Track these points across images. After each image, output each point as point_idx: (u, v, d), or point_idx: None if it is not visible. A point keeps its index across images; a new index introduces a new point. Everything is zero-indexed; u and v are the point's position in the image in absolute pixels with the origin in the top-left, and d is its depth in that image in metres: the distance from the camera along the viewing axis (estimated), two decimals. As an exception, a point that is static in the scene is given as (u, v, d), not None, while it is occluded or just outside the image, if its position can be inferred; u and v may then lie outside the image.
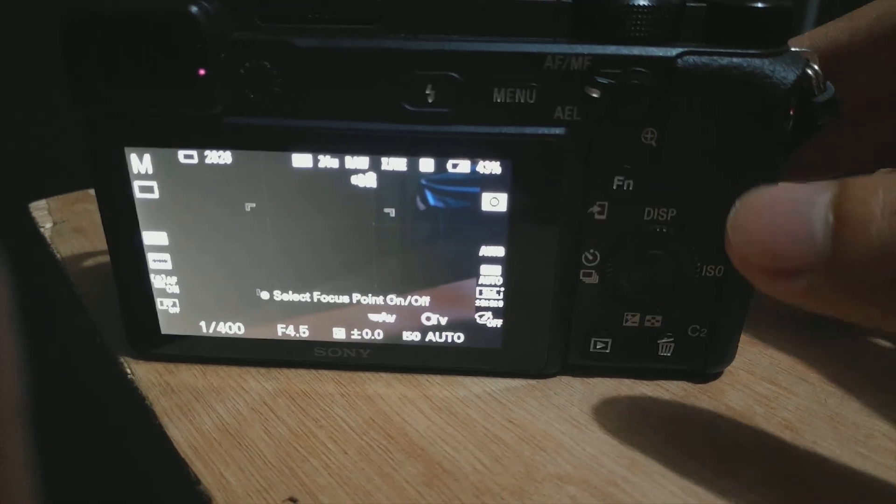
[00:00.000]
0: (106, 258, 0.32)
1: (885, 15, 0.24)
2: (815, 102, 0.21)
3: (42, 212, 0.37)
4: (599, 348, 0.24)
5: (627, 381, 0.24)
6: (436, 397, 0.24)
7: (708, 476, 0.21)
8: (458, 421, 0.22)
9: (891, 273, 0.15)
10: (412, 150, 0.21)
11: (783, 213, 0.17)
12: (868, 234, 0.15)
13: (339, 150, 0.21)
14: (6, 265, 0.54)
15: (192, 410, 0.23)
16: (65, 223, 0.36)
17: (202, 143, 0.21)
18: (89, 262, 0.32)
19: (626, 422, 0.23)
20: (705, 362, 0.24)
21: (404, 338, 0.24)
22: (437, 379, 0.24)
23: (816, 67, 0.21)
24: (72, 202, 0.39)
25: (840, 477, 0.21)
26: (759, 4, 0.20)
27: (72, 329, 0.37)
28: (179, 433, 0.22)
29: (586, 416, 0.23)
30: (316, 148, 0.21)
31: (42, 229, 0.36)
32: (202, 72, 0.20)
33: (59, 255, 0.33)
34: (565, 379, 0.24)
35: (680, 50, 0.20)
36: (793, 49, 0.21)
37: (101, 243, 0.34)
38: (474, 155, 0.21)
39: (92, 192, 0.39)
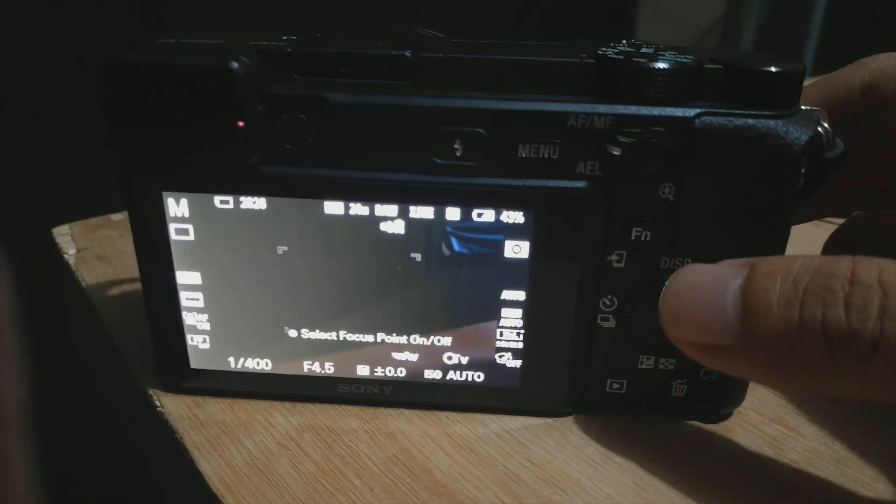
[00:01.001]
0: (130, 287, 0.34)
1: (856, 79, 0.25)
2: (826, 159, 0.22)
3: (65, 237, 0.38)
4: (615, 389, 0.25)
5: (640, 422, 0.25)
6: (456, 435, 0.24)
7: (720, 518, 0.21)
8: (479, 459, 0.23)
9: (788, 355, 0.18)
10: (439, 200, 0.22)
11: (702, 294, 0.19)
12: (767, 321, 0.18)
13: (369, 198, 0.22)
14: (10, 271, 0.54)
15: (222, 445, 0.24)
16: (88, 250, 0.37)
17: (238, 190, 0.22)
18: (114, 291, 0.33)
19: (640, 461, 0.23)
20: (716, 404, 0.25)
21: (426, 376, 0.25)
22: (457, 416, 0.25)
23: (826, 125, 0.22)
24: (93, 228, 0.39)
25: (847, 519, 0.22)
26: (773, 68, 0.21)
27: (92, 353, 0.38)
28: (210, 468, 0.23)
29: (602, 455, 0.24)
30: (347, 196, 0.22)
31: (66, 255, 0.37)
32: (241, 124, 0.21)
33: (84, 283, 0.34)
34: (581, 418, 0.25)
35: (697, 111, 0.21)
36: (804, 108, 0.22)
37: (124, 271, 0.35)
38: (498, 205, 0.22)
39: (113, 217, 0.41)
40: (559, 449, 0.24)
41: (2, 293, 0.53)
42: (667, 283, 0.20)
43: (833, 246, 0.27)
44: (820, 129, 0.21)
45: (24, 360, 0.53)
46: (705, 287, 0.19)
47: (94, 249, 0.37)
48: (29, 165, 0.55)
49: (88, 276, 0.34)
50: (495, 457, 0.23)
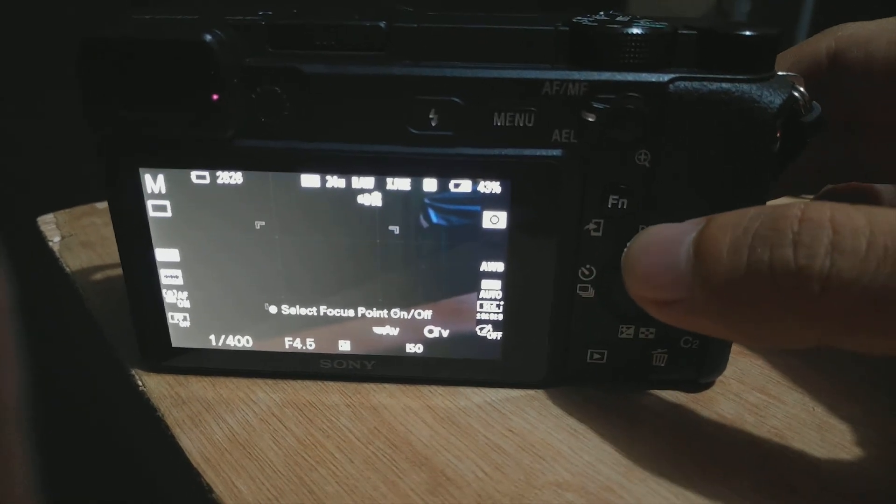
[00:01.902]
0: (114, 272, 0.33)
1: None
2: (803, 123, 0.22)
3: (50, 226, 0.38)
4: (596, 359, 0.25)
5: (622, 391, 0.25)
6: (438, 407, 0.24)
7: (700, 482, 0.21)
8: (460, 430, 0.23)
9: (740, 300, 0.18)
10: (416, 171, 0.22)
11: (658, 251, 0.20)
12: (716, 269, 0.18)
13: (345, 170, 0.22)
14: (8, 268, 0.54)
15: (203, 421, 0.24)
16: (73, 237, 0.37)
17: (214, 165, 0.22)
18: (98, 276, 0.33)
19: (621, 430, 0.24)
20: (697, 372, 0.25)
21: (407, 350, 0.25)
22: (440, 389, 0.25)
23: (802, 90, 0.22)
24: (78, 216, 0.39)
25: (829, 484, 0.22)
26: (748, 32, 0.21)
27: (81, 340, 0.38)
28: (191, 443, 0.23)
29: (583, 424, 0.24)
30: (323, 169, 0.22)
31: (50, 243, 0.36)
32: (216, 97, 0.21)
33: (68, 269, 0.34)
34: (563, 389, 0.25)
35: (671, 76, 0.21)
36: (780, 73, 0.22)
37: (108, 257, 0.35)
38: (475, 175, 0.22)
39: (98, 206, 0.41)
40: (540, 419, 0.24)
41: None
42: (629, 243, 0.21)
43: None
44: (795, 93, 0.21)
45: (22, 354, 0.53)
46: (663, 243, 0.19)
47: (78, 237, 0.37)
48: (13, 155, 0.55)
49: (73, 262, 0.34)
50: (476, 427, 0.23)
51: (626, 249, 0.21)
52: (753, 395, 0.25)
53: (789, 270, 0.17)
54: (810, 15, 1.22)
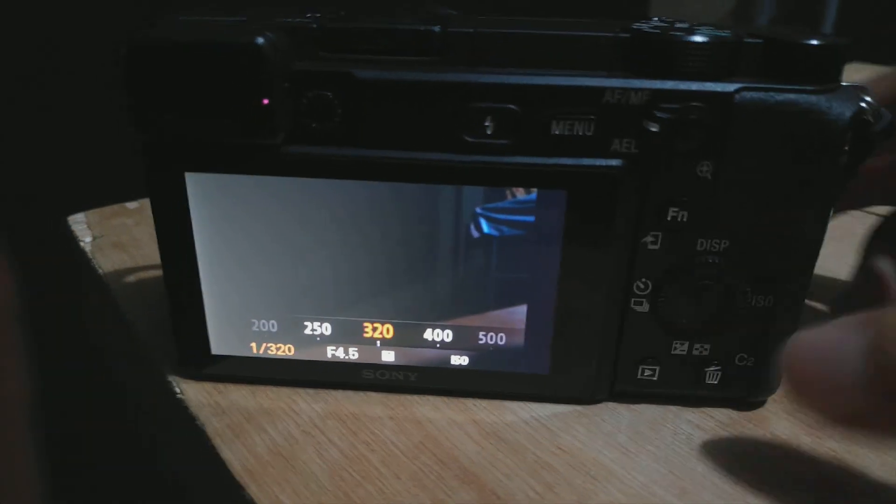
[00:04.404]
0: (147, 274, 0.33)
1: None
2: (872, 132, 0.21)
3: (81, 226, 0.38)
4: (647, 375, 0.24)
5: (673, 408, 0.25)
6: (483, 422, 0.24)
7: (759, 506, 0.21)
8: (508, 447, 0.23)
9: None
10: (469, 180, 0.22)
11: (825, 364, 0.17)
12: None
13: (397, 178, 0.22)
14: (14, 268, 0.54)
15: (244, 432, 0.23)
16: (104, 238, 0.37)
17: (262, 171, 0.22)
18: (131, 279, 0.33)
19: (673, 450, 0.23)
20: (751, 390, 0.24)
21: (452, 362, 0.24)
22: (484, 403, 0.25)
23: (870, 99, 0.21)
24: (108, 216, 0.39)
25: (890, 509, 0.21)
26: (815, 41, 0.20)
27: (109, 343, 0.37)
28: (233, 455, 0.22)
29: (635, 443, 0.23)
30: (374, 176, 0.22)
31: (82, 243, 0.36)
32: (266, 101, 0.20)
33: (101, 271, 0.33)
34: (612, 405, 0.25)
35: (737, 86, 0.20)
36: (846, 84, 0.21)
37: (140, 259, 0.34)
38: (531, 185, 0.21)
39: (128, 205, 0.40)
40: (590, 437, 0.23)
41: (6, 289, 0.52)
42: (783, 355, 0.18)
43: (876, 240, 0.26)
44: (864, 104, 0.21)
45: (31, 355, 0.53)
46: (826, 355, 0.17)
47: (109, 237, 0.37)
48: (35, 156, 0.55)
49: (105, 263, 0.34)
50: (524, 444, 0.23)
51: (783, 363, 0.18)
52: (809, 415, 0.24)
53: None
54: (834, 17, 1.21)
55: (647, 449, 0.23)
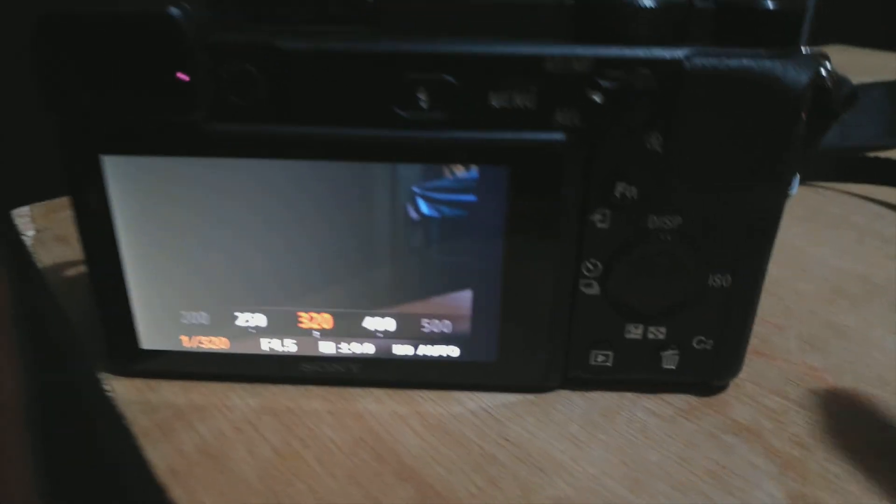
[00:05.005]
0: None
1: None
2: (832, 100, 0.20)
3: (25, 219, 0.36)
4: (600, 361, 0.23)
5: (629, 395, 0.23)
6: (429, 414, 0.22)
7: (715, 496, 0.20)
8: (452, 440, 0.21)
9: None
10: (405, 157, 0.20)
11: None
12: None
13: (326, 156, 0.20)
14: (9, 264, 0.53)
15: (173, 430, 0.22)
16: (47, 231, 0.35)
17: (183, 151, 0.20)
18: (72, 272, 0.31)
19: (628, 438, 0.22)
20: (711, 374, 0.23)
21: (395, 351, 0.23)
22: (431, 394, 0.23)
23: (830, 66, 0.20)
24: (55, 209, 0.38)
25: (853, 497, 0.20)
26: (771, 4, 0.19)
27: (58, 340, 0.36)
28: (159, 455, 0.21)
29: (587, 432, 0.22)
30: (303, 155, 0.20)
31: (24, 237, 0.35)
32: (182, 76, 0.19)
33: (40, 265, 0.32)
34: (564, 393, 0.23)
35: (687, 51, 0.19)
36: (805, 49, 0.20)
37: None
38: (470, 161, 0.20)
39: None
40: (540, 427, 0.22)
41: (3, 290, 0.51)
42: None
43: None
44: (823, 70, 0.19)
45: (22, 354, 0.52)
46: None
47: (53, 231, 0.35)
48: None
49: (46, 257, 0.33)
50: (470, 436, 0.22)
51: None
52: (772, 400, 0.23)
53: None
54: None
55: (599, 438, 0.22)
